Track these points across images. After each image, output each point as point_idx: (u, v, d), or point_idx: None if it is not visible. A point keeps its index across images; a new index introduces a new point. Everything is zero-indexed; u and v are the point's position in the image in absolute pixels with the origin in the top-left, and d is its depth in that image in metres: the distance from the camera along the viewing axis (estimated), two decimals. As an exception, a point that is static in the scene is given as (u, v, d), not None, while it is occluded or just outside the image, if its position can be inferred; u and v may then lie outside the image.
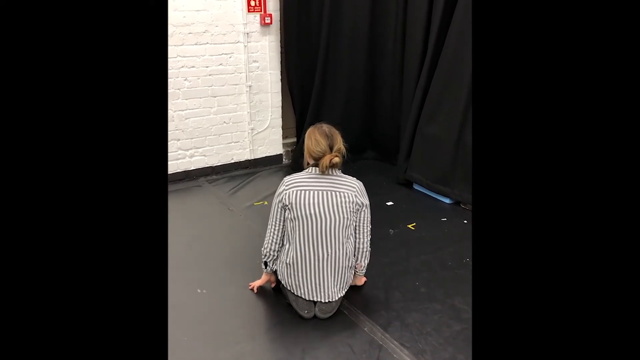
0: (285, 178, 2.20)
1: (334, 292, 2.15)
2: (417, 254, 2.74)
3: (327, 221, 2.10)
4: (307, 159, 2.21)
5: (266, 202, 3.45)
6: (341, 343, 2.01)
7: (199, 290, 2.40)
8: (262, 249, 2.27)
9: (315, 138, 2.15)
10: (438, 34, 3.34)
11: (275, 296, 2.35)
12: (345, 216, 2.13)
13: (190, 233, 3.01)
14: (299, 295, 2.16)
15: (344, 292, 2.21)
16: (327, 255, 2.12)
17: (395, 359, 1.92)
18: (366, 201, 2.21)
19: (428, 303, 2.29)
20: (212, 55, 3.71)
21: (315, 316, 2.16)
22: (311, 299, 2.15)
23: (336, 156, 2.11)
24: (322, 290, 2.14)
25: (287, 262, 2.16)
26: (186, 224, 3.14)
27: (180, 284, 2.43)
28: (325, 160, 2.09)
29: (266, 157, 4.24)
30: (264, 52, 3.94)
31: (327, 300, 2.15)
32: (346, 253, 2.16)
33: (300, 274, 2.14)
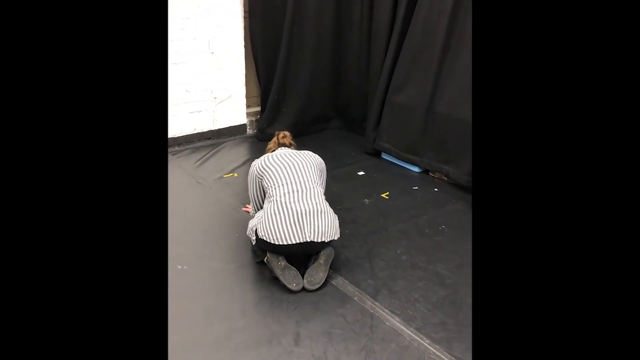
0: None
1: (324, 231, 2.16)
2: (395, 222, 2.78)
3: (299, 177, 2.29)
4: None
5: (236, 174, 3.36)
6: (334, 313, 2.02)
7: (179, 267, 2.31)
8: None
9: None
10: (407, 2, 3.31)
11: (260, 270, 2.31)
12: (314, 172, 2.36)
13: (160, 207, 2.88)
14: (290, 242, 2.11)
15: (335, 237, 2.23)
16: (309, 207, 2.19)
17: (387, 327, 1.96)
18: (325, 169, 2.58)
19: (412, 270, 2.34)
20: (172, 18, 3.49)
21: (303, 288, 2.15)
22: (304, 239, 2.12)
23: (284, 135, 2.63)
24: (312, 229, 2.14)
25: (271, 210, 2.19)
26: (154, 198, 3.00)
27: (158, 261, 2.33)
28: (274, 138, 2.67)
29: (230, 127, 4.10)
30: (227, 15, 3.76)
31: (320, 240, 2.15)
32: (326, 204, 2.27)
33: (285, 218, 2.15)
